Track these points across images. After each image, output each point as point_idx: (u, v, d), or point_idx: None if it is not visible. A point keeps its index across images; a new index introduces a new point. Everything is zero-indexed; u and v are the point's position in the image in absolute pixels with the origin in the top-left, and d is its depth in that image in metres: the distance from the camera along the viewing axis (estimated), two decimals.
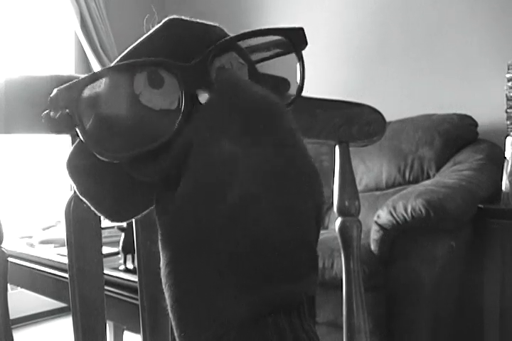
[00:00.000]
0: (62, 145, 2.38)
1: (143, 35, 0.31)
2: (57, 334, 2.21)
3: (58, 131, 0.28)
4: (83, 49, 2.60)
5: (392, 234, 1.36)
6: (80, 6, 2.51)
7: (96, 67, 2.59)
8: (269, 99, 0.28)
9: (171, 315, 0.25)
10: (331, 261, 1.39)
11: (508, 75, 1.62)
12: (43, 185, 2.51)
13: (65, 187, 2.52)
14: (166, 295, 0.25)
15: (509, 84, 1.61)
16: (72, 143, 0.42)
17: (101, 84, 0.28)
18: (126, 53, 0.30)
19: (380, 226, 1.37)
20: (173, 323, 0.25)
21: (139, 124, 0.28)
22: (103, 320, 0.44)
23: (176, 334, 0.25)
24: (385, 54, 2.22)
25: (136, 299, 0.48)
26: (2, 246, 0.40)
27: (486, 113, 1.89)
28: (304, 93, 0.33)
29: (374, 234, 1.39)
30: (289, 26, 0.32)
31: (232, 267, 0.24)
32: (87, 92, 0.28)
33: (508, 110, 1.62)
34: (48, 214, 2.24)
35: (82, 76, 0.28)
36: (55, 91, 0.27)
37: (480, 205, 1.44)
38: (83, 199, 0.30)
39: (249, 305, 0.23)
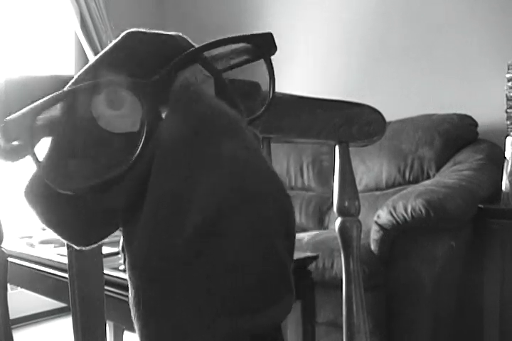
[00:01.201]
0: None
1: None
2: (57, 334, 2.21)
3: (10, 160, 0.26)
4: (83, 49, 2.60)
5: (392, 234, 1.36)
6: (80, 6, 2.51)
7: None
8: (230, 115, 0.26)
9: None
10: (331, 261, 1.39)
11: (508, 75, 1.62)
12: None
13: None
14: (135, 325, 0.24)
15: (509, 84, 1.61)
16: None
17: (57, 108, 0.27)
18: (84, 71, 0.29)
19: (380, 226, 1.37)
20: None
21: (98, 150, 0.27)
22: (103, 320, 0.44)
23: None
24: (385, 54, 2.22)
25: None
26: (2, 246, 0.40)
27: (486, 113, 1.89)
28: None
29: (374, 234, 1.39)
30: (256, 32, 0.30)
31: (205, 294, 0.23)
32: (41, 119, 0.26)
33: (508, 110, 1.62)
34: None
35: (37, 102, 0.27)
36: (6, 120, 0.26)
37: (480, 205, 1.44)
38: (46, 227, 0.29)
39: (223, 334, 0.23)
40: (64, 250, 0.47)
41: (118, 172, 0.26)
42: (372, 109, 0.55)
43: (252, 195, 0.24)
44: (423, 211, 1.30)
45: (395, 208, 1.35)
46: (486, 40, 1.93)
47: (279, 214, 0.25)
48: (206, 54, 0.29)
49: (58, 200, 0.27)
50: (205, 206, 0.23)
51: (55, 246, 1.53)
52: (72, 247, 0.43)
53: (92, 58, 0.29)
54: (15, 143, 0.26)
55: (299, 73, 2.42)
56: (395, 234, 1.36)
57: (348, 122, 0.54)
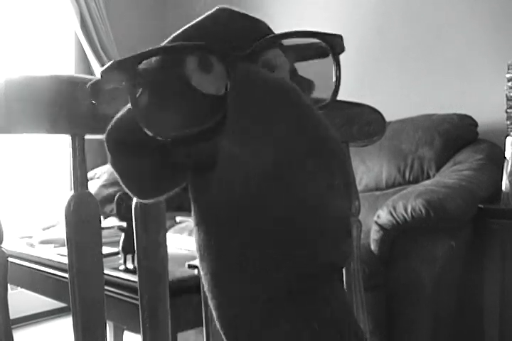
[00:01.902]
0: (62, 145, 2.38)
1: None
2: (57, 334, 2.21)
3: (107, 103, 0.28)
4: (83, 49, 2.60)
5: (392, 234, 1.36)
6: (80, 6, 2.51)
7: (96, 67, 2.59)
8: (287, 84, 0.28)
9: (208, 293, 0.26)
10: None
11: (508, 75, 1.62)
12: (43, 185, 2.51)
13: (65, 187, 2.52)
14: (202, 272, 0.26)
15: (509, 84, 1.61)
16: (72, 143, 0.42)
17: (152, 62, 0.28)
18: (176, 35, 0.31)
19: (380, 226, 1.37)
20: (210, 303, 0.25)
21: (187, 105, 0.29)
22: (103, 320, 0.44)
23: (212, 305, 0.25)
24: (385, 54, 2.22)
25: (136, 299, 0.48)
26: (2, 246, 0.40)
27: (486, 113, 1.89)
28: None
29: (374, 234, 1.39)
30: (330, 32, 0.33)
31: (273, 238, 0.24)
32: (141, 67, 0.28)
33: (508, 110, 1.62)
34: (48, 214, 2.24)
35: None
36: (110, 62, 0.28)
37: (480, 205, 1.44)
38: (114, 172, 0.30)
39: (296, 265, 0.23)
40: (64, 250, 0.47)
41: (202, 128, 0.28)
42: (372, 109, 0.55)
43: (314, 144, 0.26)
44: (423, 211, 1.30)
45: (394, 208, 1.35)
46: (486, 40, 1.93)
47: (345, 175, 0.27)
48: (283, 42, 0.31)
49: (137, 147, 0.29)
50: (271, 156, 0.25)
51: (55, 246, 1.53)
52: (73, 247, 0.43)
53: (184, 26, 0.31)
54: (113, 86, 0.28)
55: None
56: (395, 234, 1.36)
57: (348, 122, 0.54)
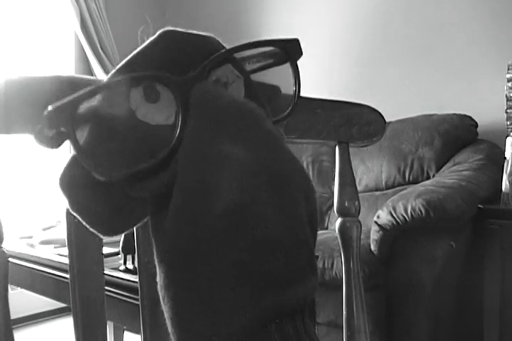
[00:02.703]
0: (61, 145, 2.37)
1: (139, 40, 0.31)
2: (58, 334, 2.21)
3: (54, 147, 0.27)
4: (83, 49, 2.60)
5: (392, 234, 1.36)
6: (80, 7, 2.51)
7: (96, 67, 2.59)
8: (248, 106, 0.28)
9: (170, 328, 0.25)
10: (331, 261, 1.39)
11: (508, 75, 1.62)
12: (43, 185, 2.51)
13: None
14: (164, 308, 0.25)
15: (509, 84, 1.61)
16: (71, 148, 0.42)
17: (96, 100, 0.28)
18: (122, 66, 0.30)
19: (380, 226, 1.37)
20: (172, 337, 0.25)
21: (135, 140, 0.28)
22: (103, 320, 0.44)
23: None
24: (385, 54, 2.22)
25: (136, 299, 0.48)
26: (2, 246, 0.40)
27: (486, 113, 1.89)
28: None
29: (374, 234, 1.39)
30: (284, 38, 0.32)
31: (234, 276, 0.23)
32: (82, 108, 0.27)
33: (508, 110, 1.62)
34: (47, 214, 2.24)
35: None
36: (49, 108, 0.27)
37: (480, 205, 1.44)
38: (74, 214, 0.29)
39: (255, 314, 0.23)
40: (64, 250, 0.47)
41: (153, 162, 0.27)
42: (372, 109, 0.56)
43: (276, 177, 0.25)
44: (423, 211, 1.30)
45: (394, 208, 1.35)
46: (486, 40, 1.93)
47: (302, 196, 0.26)
48: (236, 55, 0.31)
49: (92, 188, 0.28)
50: (232, 189, 0.24)
51: (55, 247, 1.53)
52: (73, 247, 0.43)
53: (130, 54, 0.31)
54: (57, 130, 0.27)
55: (300, 73, 2.42)
56: (394, 234, 1.36)
57: (348, 122, 0.54)
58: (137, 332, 0.77)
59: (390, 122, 1.92)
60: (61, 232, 1.62)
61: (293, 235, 0.25)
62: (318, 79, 2.34)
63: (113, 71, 0.30)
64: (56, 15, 2.60)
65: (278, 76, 0.33)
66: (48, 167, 2.53)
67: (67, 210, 0.43)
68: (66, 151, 0.32)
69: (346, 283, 0.54)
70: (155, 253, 0.26)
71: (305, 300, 0.24)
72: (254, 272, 0.23)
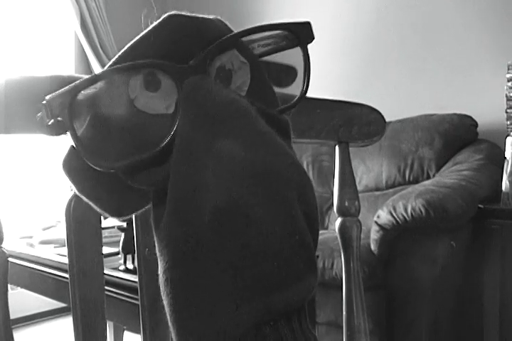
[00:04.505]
0: (62, 145, 2.38)
1: (143, 25, 0.31)
2: (57, 334, 2.21)
3: (53, 134, 0.27)
4: (83, 49, 2.60)
5: (392, 234, 1.36)
6: (80, 6, 2.51)
7: (96, 67, 2.59)
8: (237, 104, 0.27)
9: (170, 323, 0.25)
10: (331, 261, 1.39)
11: (508, 75, 1.62)
12: (43, 185, 2.50)
13: (65, 187, 2.52)
14: (165, 302, 0.25)
15: (509, 84, 1.61)
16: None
17: (96, 87, 0.27)
18: (123, 53, 0.29)
19: (380, 226, 1.37)
20: (172, 332, 0.25)
21: (133, 130, 0.27)
22: (103, 320, 0.44)
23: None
24: (385, 54, 2.22)
25: (136, 299, 0.48)
26: (2, 246, 0.40)
27: (486, 113, 1.89)
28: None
29: (374, 234, 1.39)
30: (296, 20, 0.30)
31: (231, 276, 0.23)
32: (81, 96, 0.27)
33: (508, 110, 1.62)
34: (47, 214, 2.24)
35: (81, 77, 0.28)
36: (47, 97, 0.26)
37: (480, 205, 1.44)
38: (82, 197, 0.29)
39: (251, 314, 0.23)
40: (64, 250, 0.47)
41: (151, 153, 0.26)
42: (372, 109, 0.55)
43: (264, 174, 0.25)
44: (423, 211, 1.30)
45: (394, 208, 1.35)
46: (486, 40, 1.93)
47: (295, 193, 0.25)
48: (243, 39, 0.29)
49: (94, 175, 0.28)
50: (219, 188, 0.24)
51: (55, 246, 1.53)
52: (73, 247, 0.43)
53: (132, 39, 0.29)
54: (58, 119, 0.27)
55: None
56: (394, 234, 1.36)
57: (348, 122, 0.54)
58: (137, 332, 0.76)
59: (390, 122, 1.92)
60: (61, 232, 1.63)
61: (285, 234, 0.24)
62: (318, 79, 2.34)
63: (115, 57, 0.29)
64: (56, 14, 2.60)
65: (287, 60, 0.32)
66: (48, 167, 2.53)
67: (68, 208, 0.43)
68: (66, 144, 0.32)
69: (346, 283, 0.54)
70: (156, 245, 0.26)
71: (300, 301, 0.24)
72: (244, 273, 0.23)
